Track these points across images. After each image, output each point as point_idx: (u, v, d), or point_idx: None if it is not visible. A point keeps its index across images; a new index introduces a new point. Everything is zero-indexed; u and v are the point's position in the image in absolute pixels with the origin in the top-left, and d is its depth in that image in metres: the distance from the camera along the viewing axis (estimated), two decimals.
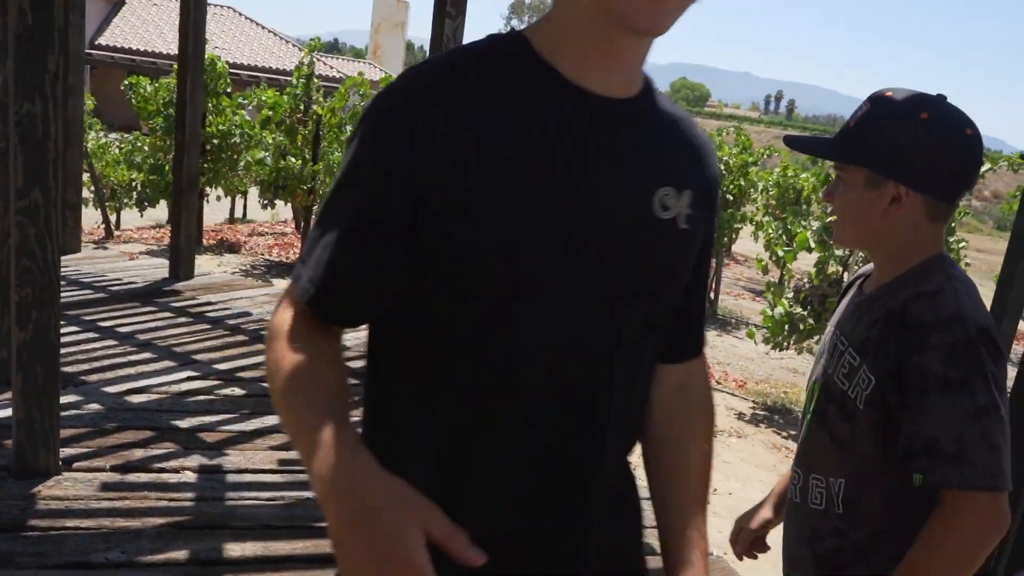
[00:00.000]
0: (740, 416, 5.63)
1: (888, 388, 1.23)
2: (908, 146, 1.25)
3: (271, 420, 3.68)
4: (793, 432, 5.36)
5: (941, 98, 1.26)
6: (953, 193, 1.28)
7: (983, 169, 8.48)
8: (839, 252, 5.83)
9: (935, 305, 1.21)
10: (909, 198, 1.26)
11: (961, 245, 8.18)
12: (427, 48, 4.77)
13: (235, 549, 2.66)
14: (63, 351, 3.98)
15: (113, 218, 10.56)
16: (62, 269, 3.04)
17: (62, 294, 3.08)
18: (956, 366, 1.17)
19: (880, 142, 1.26)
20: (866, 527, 1.32)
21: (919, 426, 1.19)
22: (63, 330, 4.25)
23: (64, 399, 3.48)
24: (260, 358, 4.52)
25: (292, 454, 3.37)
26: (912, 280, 1.28)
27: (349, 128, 8.39)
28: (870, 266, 1.50)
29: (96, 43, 25.47)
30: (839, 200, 1.34)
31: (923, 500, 1.23)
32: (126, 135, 12.11)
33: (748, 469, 4.66)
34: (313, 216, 6.43)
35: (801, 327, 5.57)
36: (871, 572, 1.31)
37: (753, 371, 7.15)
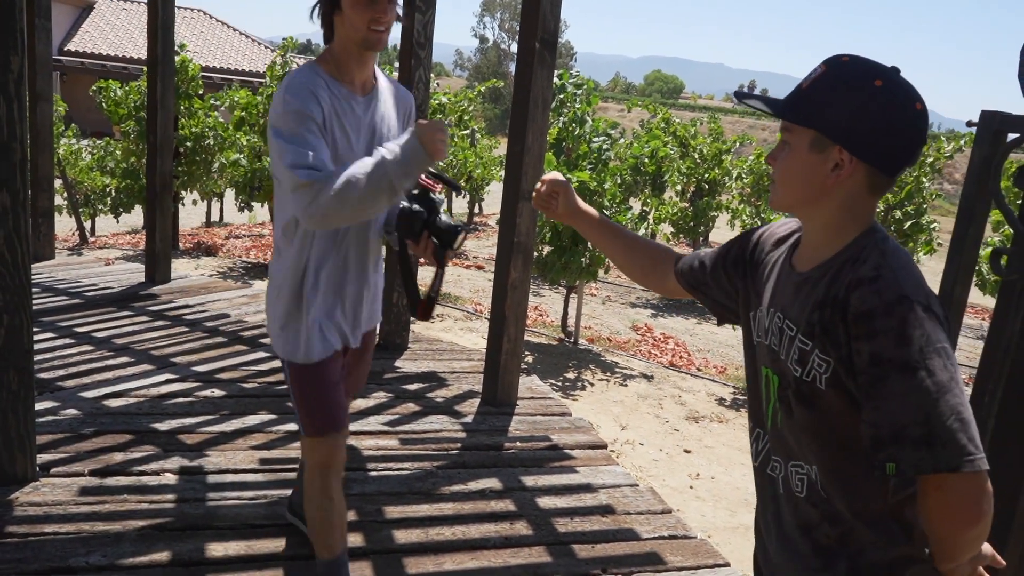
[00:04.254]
0: (721, 401, 5.68)
1: (842, 373, 1.22)
2: (858, 113, 1.23)
3: (251, 420, 3.66)
4: None
5: (895, 70, 1.26)
6: (895, 167, 1.27)
7: (951, 149, 8.51)
8: None
9: (877, 290, 1.18)
10: (852, 165, 1.25)
11: (933, 227, 8.28)
12: (397, 44, 4.76)
13: (218, 549, 2.65)
14: (39, 357, 3.95)
15: (88, 224, 10.45)
16: (36, 276, 3.01)
17: (36, 301, 3.06)
18: (909, 347, 1.15)
19: (831, 106, 1.25)
20: (855, 507, 1.29)
21: (882, 414, 1.16)
22: (38, 336, 4.22)
23: (41, 405, 3.45)
24: (239, 359, 4.49)
25: (273, 453, 3.36)
26: (849, 260, 1.26)
27: None
28: (786, 228, 1.47)
29: (65, 49, 25.13)
30: (782, 163, 1.31)
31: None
32: (98, 141, 11.97)
33: (730, 453, 4.70)
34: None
35: None
36: (884, 555, 1.29)
37: (733, 357, 7.21)
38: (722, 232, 16.15)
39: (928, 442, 1.13)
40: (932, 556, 1.26)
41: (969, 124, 2.32)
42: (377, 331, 2.61)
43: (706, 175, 10.07)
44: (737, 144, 10.86)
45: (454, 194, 2.58)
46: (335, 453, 2.26)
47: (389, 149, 1.94)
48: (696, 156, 10.17)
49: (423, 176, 2.08)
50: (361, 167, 1.92)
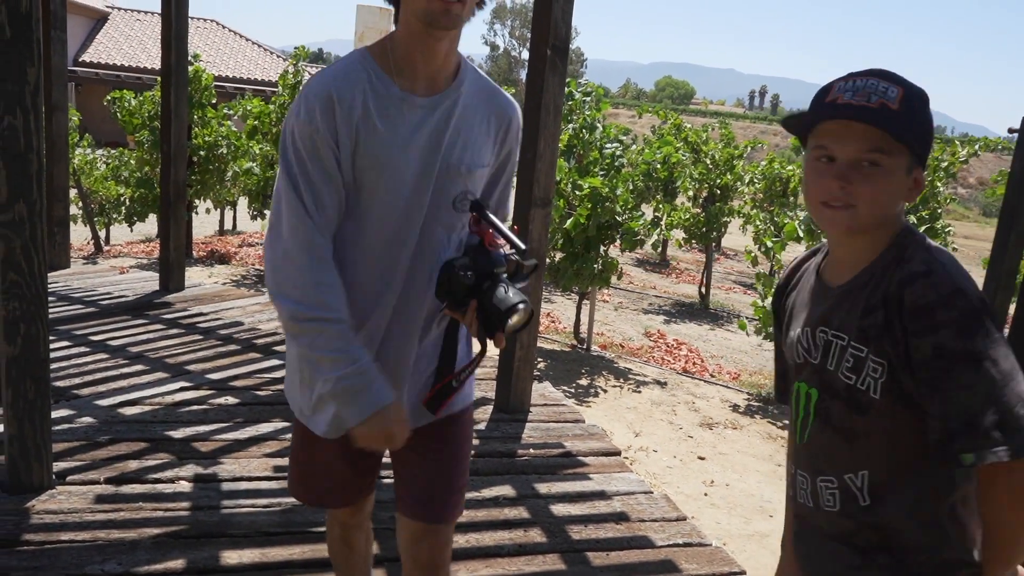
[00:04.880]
0: (735, 408, 5.65)
1: (900, 371, 1.23)
2: (929, 129, 1.27)
3: (265, 428, 3.67)
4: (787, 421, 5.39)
5: None
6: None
7: (965, 154, 8.47)
8: (827, 241, 5.86)
9: (932, 284, 1.20)
10: (920, 181, 1.28)
11: (948, 231, 8.23)
12: None
13: (232, 556, 2.66)
14: (55, 366, 3.98)
15: (102, 234, 10.53)
16: (52, 285, 3.03)
17: (52, 309, 3.08)
18: (971, 338, 1.17)
19: (920, 126, 1.25)
20: (907, 511, 1.30)
21: (952, 405, 1.17)
22: (54, 345, 4.25)
23: (57, 413, 3.48)
24: (252, 367, 4.51)
25: (287, 460, 3.36)
26: (893, 260, 1.27)
27: None
28: (795, 258, 1.51)
29: (80, 60, 25.39)
30: (872, 185, 1.25)
31: (960, 474, 1.26)
32: (112, 150, 12.07)
33: (745, 460, 4.67)
34: None
35: None
36: (928, 556, 1.29)
37: (746, 363, 7.17)
38: (734, 238, 16.09)
39: (1001, 429, 1.15)
40: (982, 562, 1.27)
41: (1011, 131, 2.31)
42: (466, 418, 1.81)
43: (718, 180, 10.04)
44: (749, 149, 10.83)
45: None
46: (344, 518, 1.96)
47: (336, 361, 1.49)
48: (708, 162, 10.15)
49: (479, 222, 1.60)
50: (317, 304, 1.48)
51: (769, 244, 6.98)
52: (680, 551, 2.97)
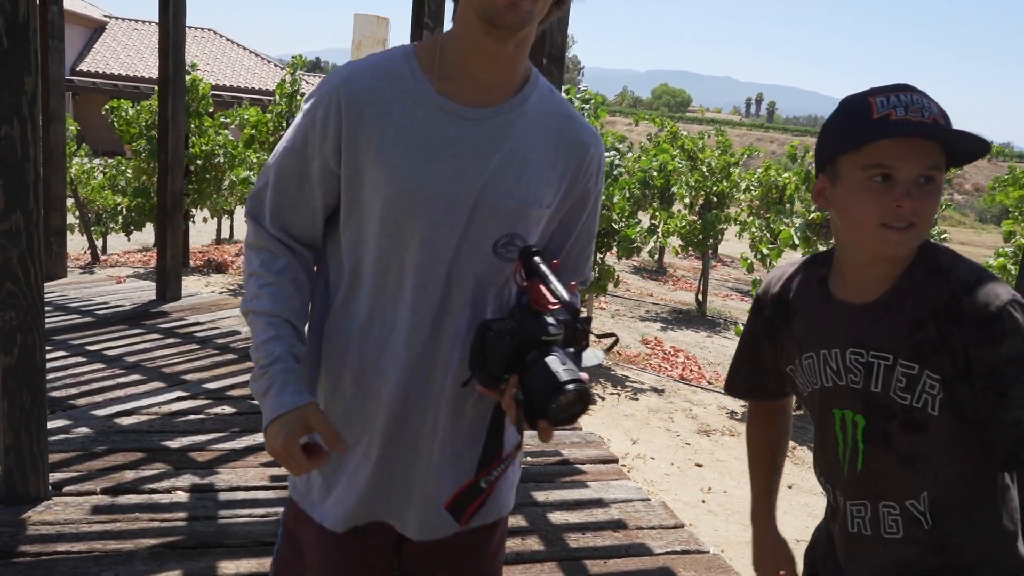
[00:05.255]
0: (732, 415, 5.65)
1: (957, 384, 1.21)
2: None
3: (262, 437, 3.66)
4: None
5: None
6: None
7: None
8: (823, 248, 5.87)
9: (989, 293, 1.19)
10: None
11: (944, 237, 8.25)
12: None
13: (229, 567, 2.65)
14: (50, 376, 3.97)
15: (99, 243, 10.53)
16: (48, 295, 3.03)
17: (48, 319, 3.07)
18: None
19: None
20: (967, 529, 1.28)
21: (1021, 414, 1.16)
22: (50, 355, 4.24)
23: (53, 423, 3.47)
24: (249, 376, 4.50)
25: (284, 470, 3.35)
26: (929, 272, 1.25)
27: None
28: (787, 271, 1.44)
29: (77, 69, 25.42)
30: (929, 203, 1.22)
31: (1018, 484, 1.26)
32: (109, 160, 12.08)
33: (742, 466, 4.66)
34: None
35: None
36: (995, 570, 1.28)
37: None
38: (731, 244, 16.13)
39: None
40: None
41: None
42: (499, 531, 1.47)
43: (714, 188, 10.07)
44: (745, 156, 10.85)
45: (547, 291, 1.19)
46: None
47: (269, 353, 1.24)
48: (704, 169, 10.18)
49: (527, 276, 1.22)
50: (267, 293, 1.27)
51: (765, 251, 7.00)
52: (678, 558, 2.97)
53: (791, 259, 1.52)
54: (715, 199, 10.15)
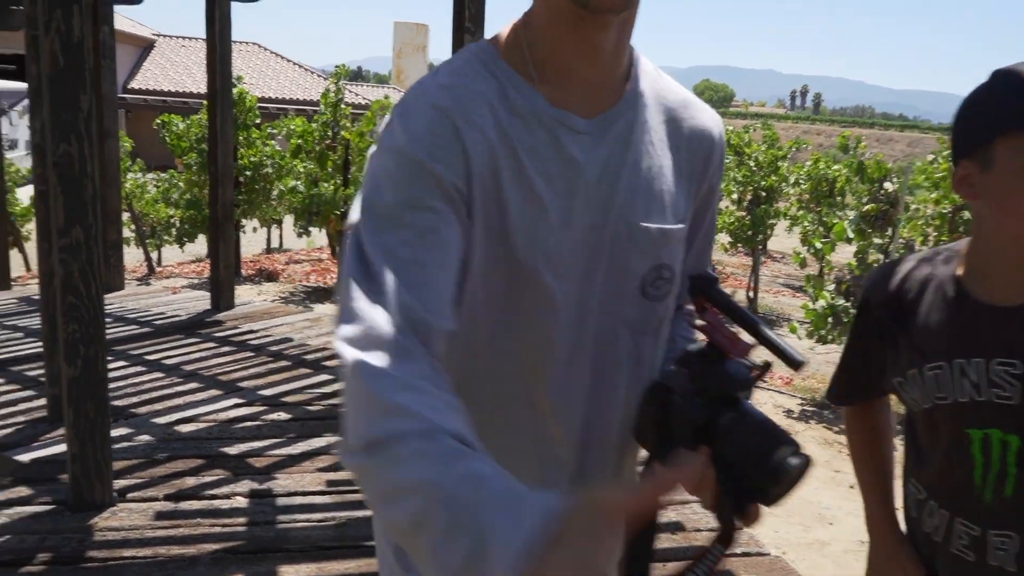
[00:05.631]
0: (789, 413, 5.53)
1: None
2: None
3: (317, 443, 3.70)
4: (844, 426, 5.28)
5: None
6: None
7: None
8: (879, 240, 5.72)
9: None
10: None
11: None
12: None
13: (289, 571, 2.68)
14: (112, 385, 4.07)
15: (154, 255, 10.79)
16: (107, 307, 3.10)
17: (108, 330, 3.15)
18: None
19: None
20: None
21: None
22: (111, 365, 4.35)
23: (115, 432, 3.55)
24: (303, 382, 4.56)
25: (340, 475, 3.39)
26: None
27: None
28: (912, 265, 1.27)
29: (128, 87, 26.12)
30: None
31: None
32: (162, 174, 12.38)
33: None
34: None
35: (844, 319, 5.46)
36: None
37: None
38: (780, 240, 15.83)
39: None
40: None
41: None
42: None
43: (762, 182, 9.89)
44: (793, 150, 10.64)
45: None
46: None
47: (508, 494, 0.66)
48: (752, 164, 10.01)
49: (710, 324, 0.89)
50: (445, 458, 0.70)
51: (818, 245, 6.85)
52: (739, 561, 2.91)
53: (899, 257, 1.38)
54: (764, 194, 9.97)
